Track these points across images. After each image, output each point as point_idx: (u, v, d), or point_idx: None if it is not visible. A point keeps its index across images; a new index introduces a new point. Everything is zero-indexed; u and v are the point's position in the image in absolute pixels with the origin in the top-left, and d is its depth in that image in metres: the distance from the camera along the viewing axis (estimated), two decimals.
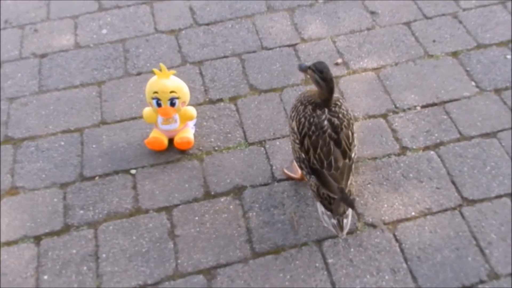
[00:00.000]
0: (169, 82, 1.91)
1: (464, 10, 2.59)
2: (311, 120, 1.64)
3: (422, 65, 2.35)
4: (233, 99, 2.25)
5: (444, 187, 1.90)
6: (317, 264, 1.72)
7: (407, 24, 2.55)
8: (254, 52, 2.46)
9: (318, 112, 1.65)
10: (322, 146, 1.62)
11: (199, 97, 2.27)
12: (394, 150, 2.02)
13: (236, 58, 2.43)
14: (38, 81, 2.38)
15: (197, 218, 1.86)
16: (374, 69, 2.34)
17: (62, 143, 2.12)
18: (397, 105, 2.19)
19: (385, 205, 1.86)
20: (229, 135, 2.12)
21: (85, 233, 1.83)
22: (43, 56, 2.50)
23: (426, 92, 2.23)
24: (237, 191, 1.93)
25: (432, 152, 2.01)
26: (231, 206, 1.88)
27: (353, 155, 1.66)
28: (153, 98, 1.92)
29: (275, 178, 1.96)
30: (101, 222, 1.86)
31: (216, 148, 2.07)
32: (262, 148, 2.06)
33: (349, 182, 1.64)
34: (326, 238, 1.78)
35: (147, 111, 2.00)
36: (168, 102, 1.92)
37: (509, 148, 1.99)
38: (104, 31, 2.62)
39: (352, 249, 1.75)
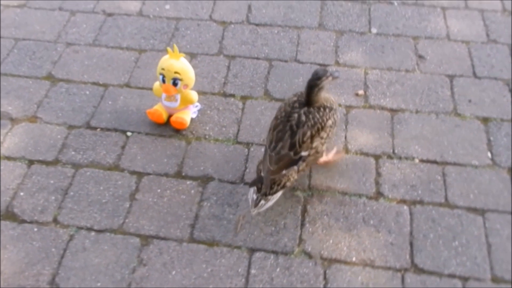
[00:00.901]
0: (176, 63, 2.06)
1: None
2: (287, 109, 1.84)
3: (444, 120, 2.22)
4: (244, 98, 2.35)
5: (399, 246, 1.81)
6: (239, 270, 1.76)
7: (451, 77, 2.41)
8: (285, 61, 2.51)
9: (297, 106, 1.83)
10: (279, 131, 1.80)
11: (216, 87, 2.40)
12: (368, 192, 1.97)
13: (266, 62, 2.51)
14: (95, 35, 2.69)
15: (159, 190, 2.00)
16: (391, 110, 2.27)
17: (87, 92, 2.39)
18: (396, 151, 2.11)
19: (331, 241, 1.83)
20: (224, 129, 2.22)
21: (67, 170, 2.07)
22: (110, 15, 2.81)
23: (433, 148, 2.11)
24: (205, 179, 2.03)
25: (405, 207, 1.92)
26: (192, 191, 1.99)
27: (303, 153, 1.78)
28: (160, 74, 2.09)
29: (244, 180, 2.02)
30: (83, 166, 2.08)
31: (207, 137, 2.19)
32: (246, 150, 2.13)
33: (283, 171, 1.77)
34: (260, 250, 1.81)
35: (156, 84, 2.18)
36: (171, 81, 2.08)
37: (491, 232, 1.83)
38: (167, 6, 2.85)
39: (278, 269, 1.76)
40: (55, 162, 2.10)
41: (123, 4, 2.87)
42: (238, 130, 2.21)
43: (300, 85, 2.39)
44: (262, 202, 1.78)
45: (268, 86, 2.39)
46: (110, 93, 2.39)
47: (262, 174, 1.79)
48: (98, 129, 2.23)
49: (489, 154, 2.09)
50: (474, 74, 2.43)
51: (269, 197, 1.78)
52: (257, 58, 2.53)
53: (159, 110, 2.18)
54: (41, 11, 2.83)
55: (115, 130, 2.22)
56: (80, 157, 2.12)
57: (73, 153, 2.14)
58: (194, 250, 1.82)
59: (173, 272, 1.76)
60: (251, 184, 1.83)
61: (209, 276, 1.75)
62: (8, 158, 2.12)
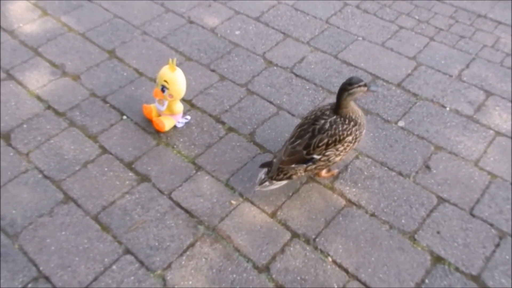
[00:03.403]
0: (169, 73, 2.29)
1: None
2: (318, 113, 2.02)
3: (392, 237, 1.98)
4: (230, 130, 2.44)
5: None
6: (105, 259, 1.91)
7: (442, 200, 2.12)
8: (292, 115, 2.52)
9: (328, 113, 2.00)
10: (303, 129, 1.99)
11: (216, 110, 2.55)
12: (259, 261, 1.90)
13: (275, 108, 2.56)
14: (167, 33, 3.06)
15: (106, 169, 2.25)
16: (348, 201, 2.11)
17: (125, 74, 2.77)
18: (317, 240, 1.97)
19: (190, 282, 1.84)
20: (192, 147, 2.36)
21: (63, 123, 2.46)
22: (191, 22, 3.17)
23: (356, 257, 1.92)
24: (144, 178, 2.21)
25: None
26: (127, 182, 2.20)
27: (315, 156, 1.96)
28: (157, 78, 2.35)
29: (169, 194, 2.14)
30: (74, 126, 2.45)
31: (174, 147, 2.36)
32: (194, 172, 2.24)
33: (293, 165, 1.98)
34: (132, 254, 1.92)
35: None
36: (160, 87, 2.31)
37: None
38: (237, 32, 3.09)
39: (133, 277, 1.86)
40: (61, 114, 2.53)
41: (206, 18, 3.21)
42: (201, 153, 2.33)
43: (285, 139, 2.38)
44: (267, 183, 2.03)
45: (258, 129, 2.45)
46: (140, 81, 2.73)
47: (274, 160, 2.02)
48: (108, 105, 2.59)
49: None
50: (471, 210, 2.09)
51: (274, 181, 2.02)
52: (270, 102, 2.60)
53: (152, 107, 2.44)
54: (148, 1, 3.35)
55: (118, 110, 2.56)
56: (80, 118, 2.50)
57: (77, 113, 2.54)
58: (89, 226, 2.02)
59: (63, 233, 2.00)
60: (261, 165, 2.08)
61: (83, 250, 1.94)
62: (38, 97, 2.63)
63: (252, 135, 2.42)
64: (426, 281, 1.86)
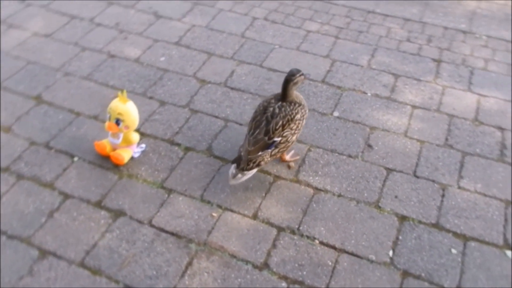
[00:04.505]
0: (121, 105, 2.32)
1: (459, 188, 2.35)
2: (265, 104, 2.28)
3: (361, 209, 2.24)
4: (187, 149, 2.53)
5: None
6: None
7: (389, 170, 2.44)
8: (240, 124, 2.68)
9: (273, 101, 2.27)
10: (257, 120, 2.23)
11: (167, 134, 2.61)
12: (256, 260, 2.02)
13: (223, 121, 2.70)
14: (91, 71, 3.04)
15: (75, 214, 2.19)
16: (315, 189, 2.33)
17: (61, 116, 2.70)
18: (300, 228, 2.15)
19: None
20: (156, 173, 2.40)
21: (10, 179, 2.34)
22: (111, 56, 3.18)
23: (338, 233, 2.13)
24: (118, 214, 2.20)
25: (284, 284, 1.94)
26: (102, 221, 2.17)
27: (276, 138, 2.19)
28: (108, 113, 2.36)
29: (150, 222, 2.17)
30: (24, 178, 2.34)
31: (138, 176, 2.38)
32: (166, 195, 2.29)
33: (259, 153, 2.18)
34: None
35: (106, 121, 2.44)
36: (114, 120, 2.32)
37: None
38: (162, 58, 3.18)
39: None
40: (5, 169, 2.39)
41: (126, 49, 3.24)
42: (168, 177, 2.38)
43: None
44: (239, 175, 2.19)
45: (214, 143, 2.57)
46: (79, 120, 2.68)
47: (242, 153, 2.19)
48: (53, 150, 2.51)
49: (390, 252, 2.07)
50: (414, 173, 2.43)
51: (246, 172, 2.19)
52: (216, 117, 2.73)
53: (104, 143, 2.43)
54: (60, 43, 3.28)
55: (66, 153, 2.49)
56: (27, 170, 2.39)
57: (22, 165, 2.42)
58: (78, 274, 1.97)
59: None
60: (233, 161, 2.24)
61: None
62: None
63: (210, 150, 2.53)
64: (400, 237, 2.13)
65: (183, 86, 2.96)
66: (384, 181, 2.39)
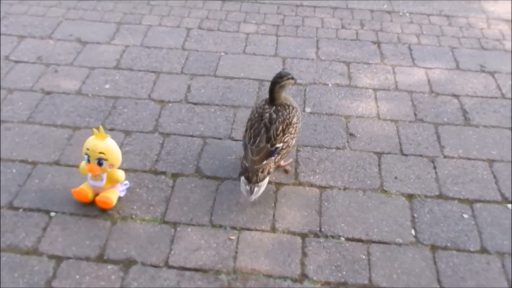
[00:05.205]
0: (101, 143, 2.06)
1: (445, 157, 2.49)
2: (259, 110, 2.20)
3: (370, 197, 2.26)
4: (175, 176, 2.34)
5: None
6: None
7: (379, 154, 2.50)
8: (220, 139, 2.55)
9: (267, 107, 2.20)
10: (256, 128, 2.15)
11: (147, 164, 2.39)
12: (293, 274, 1.93)
13: (200, 139, 2.54)
14: (30, 113, 2.68)
15: (78, 277, 1.90)
16: (320, 187, 2.30)
17: (14, 170, 2.33)
18: (322, 229, 2.11)
19: None
20: (151, 208, 2.18)
21: None
22: (48, 93, 2.83)
23: (359, 225, 2.13)
24: (127, 263, 1.96)
25: None
26: (113, 276, 1.91)
27: (278, 144, 2.13)
28: (85, 154, 2.08)
29: (167, 263, 1.96)
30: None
31: (133, 216, 2.14)
32: (173, 230, 2.09)
33: (264, 162, 2.09)
34: None
35: (82, 164, 2.16)
36: (96, 161, 2.06)
37: None
38: (107, 86, 2.90)
39: None
40: None
41: (62, 83, 2.90)
42: (166, 209, 2.18)
43: (232, 161, 2.42)
44: (256, 189, 2.09)
45: (200, 164, 2.41)
46: (38, 171, 2.34)
47: (247, 165, 2.09)
48: (21, 210, 2.15)
49: (412, 231, 2.11)
50: (401, 152, 2.52)
51: (260, 183, 2.10)
52: (192, 136, 2.57)
53: (85, 189, 2.14)
54: None
55: (38, 210, 2.15)
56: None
57: None
58: None
59: None
60: (239, 174, 2.13)
61: None
62: None
63: (199, 171, 2.36)
64: (415, 215, 2.19)
65: (142, 110, 2.73)
66: (379, 165, 2.43)
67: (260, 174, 2.10)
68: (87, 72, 3.01)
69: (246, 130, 2.20)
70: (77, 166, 2.34)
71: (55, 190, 2.24)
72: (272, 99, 2.20)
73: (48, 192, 2.23)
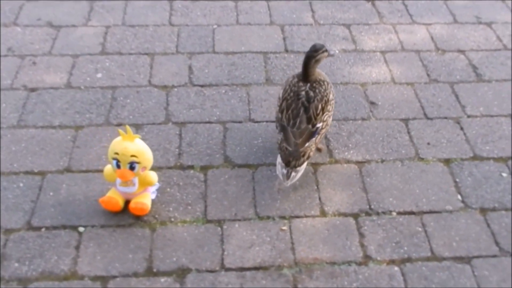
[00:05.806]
0: (131, 145, 1.84)
1: (468, 116, 2.47)
2: (293, 88, 2.06)
3: (409, 167, 2.21)
4: (204, 169, 2.16)
5: None
6: None
7: (405, 120, 2.44)
8: (240, 122, 2.38)
9: (301, 84, 2.06)
10: (294, 109, 2.01)
11: (171, 160, 2.19)
12: (356, 258, 1.87)
13: (220, 125, 2.36)
14: (19, 115, 2.36)
15: None
16: (357, 162, 2.22)
17: (21, 184, 2.06)
18: (372, 207, 2.04)
19: None
20: (189, 207, 2.01)
21: None
22: (33, 90, 2.50)
23: (407, 197, 2.08)
24: (181, 272, 1.80)
25: (396, 268, 1.83)
26: None
27: (318, 124, 2.01)
28: (113, 159, 1.85)
29: (224, 266, 1.83)
30: (32, 281, 1.75)
31: (172, 220, 1.97)
32: (219, 229, 1.94)
33: (306, 144, 1.98)
34: None
35: (108, 169, 1.93)
36: (128, 166, 1.85)
37: (481, 280, 1.81)
38: (99, 75, 2.61)
39: None
40: None
41: (46, 77, 2.57)
42: (206, 207, 2.01)
43: (260, 146, 2.27)
44: (293, 174, 1.98)
45: (228, 152, 2.24)
46: (50, 182, 2.07)
47: (290, 149, 1.97)
48: (43, 229, 1.91)
49: (459, 197, 2.10)
50: (426, 116, 2.47)
51: (298, 168, 1.98)
52: (209, 122, 2.37)
53: (115, 197, 1.92)
54: None
55: (64, 227, 1.92)
56: (27, 269, 1.78)
57: (16, 265, 1.79)
58: None
59: None
60: (286, 163, 1.97)
61: None
62: None
63: (229, 161, 2.20)
64: (457, 179, 2.17)
65: (147, 99, 2.48)
66: (408, 132, 2.37)
67: (301, 158, 1.98)
68: (71, 61, 2.68)
69: (282, 112, 2.04)
70: (93, 171, 2.12)
71: (76, 202, 2.00)
72: (307, 75, 2.06)
73: (68, 205, 1.99)
